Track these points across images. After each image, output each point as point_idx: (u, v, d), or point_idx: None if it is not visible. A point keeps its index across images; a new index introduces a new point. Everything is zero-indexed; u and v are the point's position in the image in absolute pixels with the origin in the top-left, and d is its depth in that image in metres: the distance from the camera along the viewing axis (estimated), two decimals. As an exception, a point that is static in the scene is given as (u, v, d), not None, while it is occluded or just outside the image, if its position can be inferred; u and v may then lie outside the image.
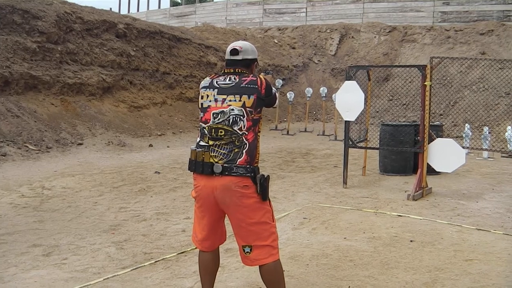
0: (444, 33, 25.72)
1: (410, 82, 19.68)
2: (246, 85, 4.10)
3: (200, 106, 4.28)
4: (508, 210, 8.66)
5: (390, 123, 13.17)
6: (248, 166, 4.02)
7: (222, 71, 4.32)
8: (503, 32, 24.02)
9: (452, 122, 19.18)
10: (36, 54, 15.60)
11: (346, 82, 10.61)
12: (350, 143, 10.67)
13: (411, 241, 6.73)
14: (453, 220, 7.87)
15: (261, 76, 4.22)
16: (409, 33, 26.89)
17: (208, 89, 4.22)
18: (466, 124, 16.12)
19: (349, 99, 10.28)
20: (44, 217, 7.76)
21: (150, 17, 37.78)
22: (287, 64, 26.09)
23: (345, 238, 6.83)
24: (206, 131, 4.14)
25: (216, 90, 4.16)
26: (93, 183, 10.37)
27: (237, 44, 4.35)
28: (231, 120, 4.06)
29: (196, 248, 6.23)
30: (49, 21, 16.23)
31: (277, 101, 4.47)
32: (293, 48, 28.03)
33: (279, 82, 21.54)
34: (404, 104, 21.68)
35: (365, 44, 27.40)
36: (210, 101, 4.17)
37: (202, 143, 4.17)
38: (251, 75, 4.21)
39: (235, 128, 4.04)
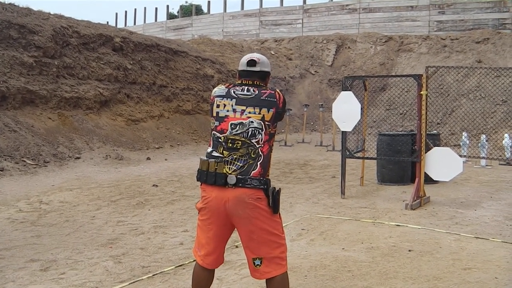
0: (440, 42, 25.80)
1: (407, 91, 19.69)
2: (266, 98, 4.05)
3: (214, 115, 4.16)
4: (507, 218, 8.67)
5: (387, 132, 13.20)
6: (261, 178, 3.96)
7: (240, 81, 4.23)
8: (499, 40, 24.11)
9: (450, 130, 19.23)
10: (33, 69, 15.62)
11: (343, 92, 10.63)
12: (348, 153, 10.68)
13: (409, 250, 6.72)
14: (451, 229, 7.87)
15: (277, 90, 4.16)
16: (405, 42, 26.99)
17: (225, 98, 4.12)
18: (464, 133, 16.15)
19: (346, 110, 10.29)
20: (42, 232, 7.73)
21: (147, 30, 37.94)
22: (284, 76, 26.13)
23: (343, 248, 6.82)
24: (221, 141, 4.05)
25: (234, 100, 4.09)
26: (91, 197, 10.35)
27: (255, 56, 4.27)
28: (250, 133, 4.00)
29: (194, 261, 6.24)
30: (45, 35, 16.26)
31: None
32: (290, 59, 28.11)
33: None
34: (401, 114, 21.73)
35: (361, 54, 27.49)
36: (228, 110, 4.08)
37: (215, 153, 4.06)
38: (270, 88, 4.16)
39: (253, 141, 3.99)
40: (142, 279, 5.70)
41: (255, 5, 34.83)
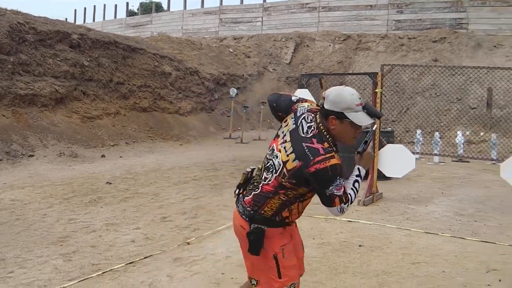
0: (397, 41, 26.08)
1: (363, 89, 19.84)
2: (306, 148, 3.33)
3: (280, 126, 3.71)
4: (457, 213, 8.86)
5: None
6: (249, 208, 3.53)
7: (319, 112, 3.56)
8: (455, 40, 24.47)
9: (405, 128, 19.45)
10: (-14, 66, 15.38)
11: (298, 90, 10.67)
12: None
13: (360, 246, 6.82)
14: (402, 224, 8.01)
15: (334, 160, 3.27)
16: (363, 41, 27.21)
17: (292, 119, 3.57)
18: (418, 130, 16.37)
19: (301, 107, 10.32)
20: (-9, 230, 7.62)
21: (105, 27, 37.61)
22: (241, 73, 26.15)
23: (295, 244, 6.87)
24: (264, 158, 3.67)
25: (294, 126, 3.51)
26: (43, 195, 10.19)
27: (331, 89, 3.49)
28: (268, 164, 3.54)
29: (145, 258, 6.24)
30: (1, 31, 15.99)
31: (338, 208, 3.38)
32: (248, 57, 28.12)
33: (233, 91, 21.65)
34: (358, 112, 21.88)
35: (320, 52, 27.63)
36: (282, 132, 3.57)
37: (255, 170, 3.75)
38: (323, 145, 3.34)
39: (264, 174, 3.54)
40: (91, 276, 5.67)
41: (215, 3, 34.82)
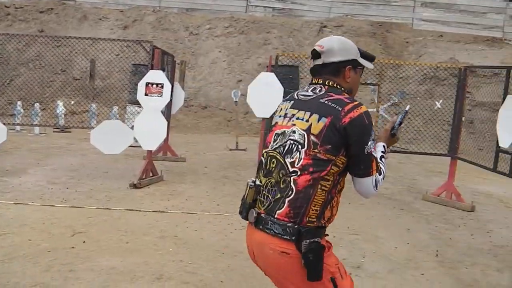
0: (4, 10, 25.37)
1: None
2: (327, 102, 2.75)
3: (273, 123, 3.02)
4: (49, 182, 9.31)
5: None
6: (290, 223, 2.66)
7: (311, 81, 2.99)
8: (63, 11, 24.74)
9: (7, 100, 19.07)
10: None
11: None
12: None
13: None
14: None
15: (364, 107, 2.75)
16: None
17: (285, 102, 2.98)
18: (18, 102, 16.28)
19: None
20: None
21: None
22: None
23: None
24: (263, 160, 2.92)
25: (292, 102, 2.92)
26: None
27: (319, 43, 2.96)
28: (286, 147, 2.77)
29: None
30: None
31: (373, 179, 2.77)
32: None
33: None
34: None
35: None
36: (280, 116, 2.93)
37: (257, 181, 2.92)
38: (344, 95, 2.82)
39: (287, 160, 2.73)
40: None
41: None
